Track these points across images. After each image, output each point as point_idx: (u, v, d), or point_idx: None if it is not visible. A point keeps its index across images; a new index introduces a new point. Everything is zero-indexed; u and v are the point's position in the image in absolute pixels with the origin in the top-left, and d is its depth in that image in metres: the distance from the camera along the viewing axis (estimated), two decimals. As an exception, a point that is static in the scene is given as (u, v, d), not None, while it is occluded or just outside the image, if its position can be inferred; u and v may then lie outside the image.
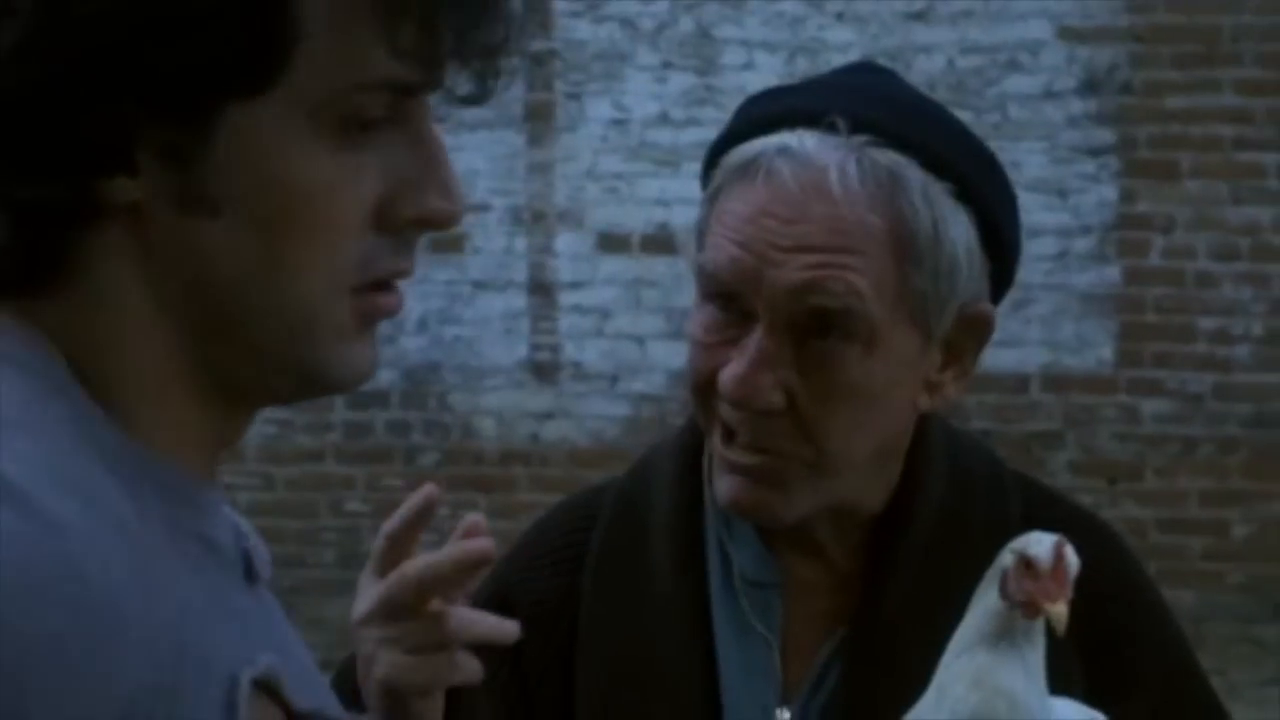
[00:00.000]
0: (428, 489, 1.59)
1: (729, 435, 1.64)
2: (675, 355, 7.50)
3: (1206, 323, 7.30)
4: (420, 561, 1.56)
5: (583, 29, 7.56)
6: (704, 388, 1.66)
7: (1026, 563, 1.50)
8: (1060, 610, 1.50)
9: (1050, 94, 7.31)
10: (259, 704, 1.05)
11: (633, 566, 1.74)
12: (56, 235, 1.03)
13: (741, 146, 1.64)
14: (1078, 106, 7.31)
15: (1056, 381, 7.34)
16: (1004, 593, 1.51)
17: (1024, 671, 1.51)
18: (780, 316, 1.60)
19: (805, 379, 1.61)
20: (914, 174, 1.60)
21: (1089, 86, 7.30)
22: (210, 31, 0.99)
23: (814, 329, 1.60)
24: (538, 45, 7.58)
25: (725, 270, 1.61)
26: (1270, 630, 7.21)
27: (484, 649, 1.71)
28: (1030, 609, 1.50)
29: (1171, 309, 7.30)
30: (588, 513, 1.79)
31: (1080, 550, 1.60)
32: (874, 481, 1.70)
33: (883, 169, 1.59)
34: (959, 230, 1.62)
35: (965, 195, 1.62)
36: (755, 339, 1.60)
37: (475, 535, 1.57)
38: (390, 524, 1.58)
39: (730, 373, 1.61)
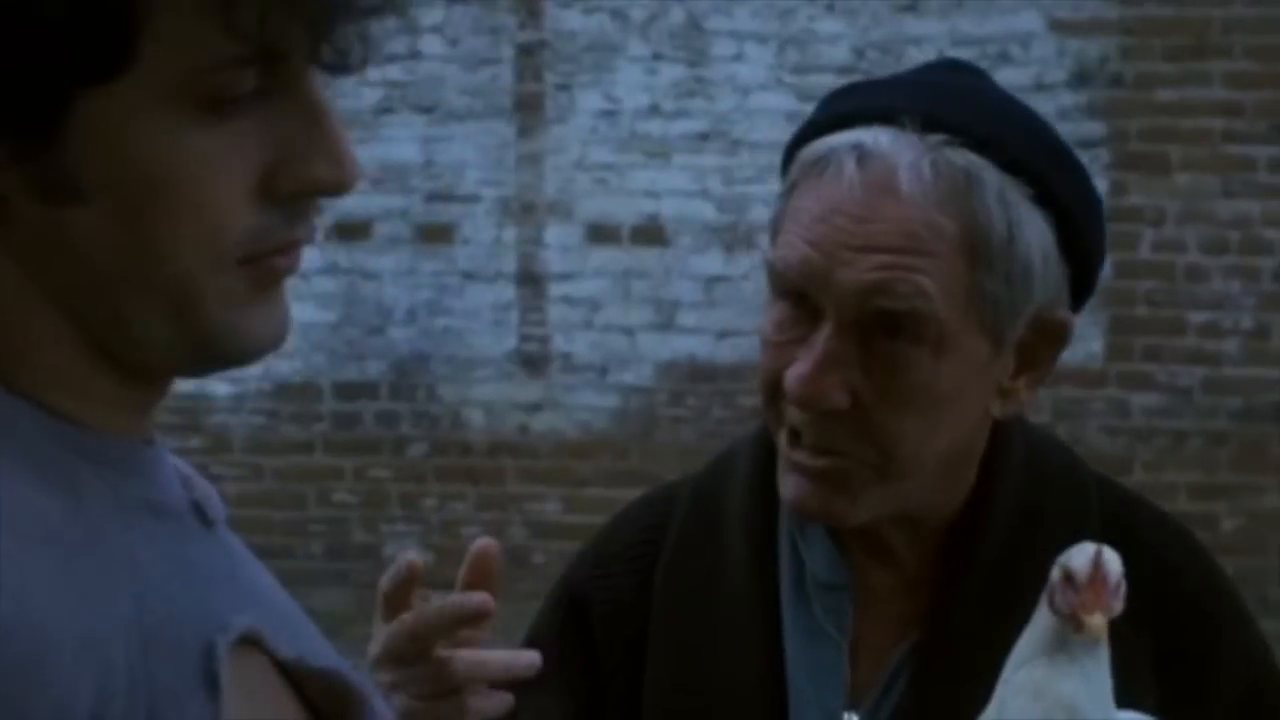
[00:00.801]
0: (411, 558, 1.55)
1: (795, 436, 1.62)
2: (664, 347, 7.50)
3: (1196, 316, 7.30)
4: (416, 613, 1.53)
5: (573, 19, 7.55)
6: (772, 387, 1.62)
7: (1067, 575, 1.48)
8: (1096, 622, 1.47)
9: (1041, 86, 7.30)
10: (243, 659, 1.04)
11: (705, 564, 1.73)
12: None
13: (816, 142, 1.61)
14: (1068, 99, 7.30)
15: (1046, 374, 7.33)
16: (1052, 606, 1.49)
17: (1084, 682, 1.48)
18: (848, 316, 1.57)
19: (871, 380, 1.58)
20: (990, 175, 1.57)
21: (1079, 79, 7.30)
22: (49, 23, 0.97)
23: (882, 330, 1.57)
24: (528, 35, 7.57)
25: (795, 269, 1.59)
26: (1260, 624, 7.20)
27: (558, 642, 1.74)
28: (1074, 622, 1.48)
29: (1161, 302, 7.30)
30: (664, 509, 1.78)
31: (1160, 555, 1.59)
32: (945, 489, 1.67)
33: (958, 169, 1.56)
34: (1035, 234, 1.59)
35: (1044, 198, 1.60)
36: (822, 338, 1.58)
37: (485, 560, 1.55)
38: (383, 582, 1.55)
39: (795, 372, 1.58)
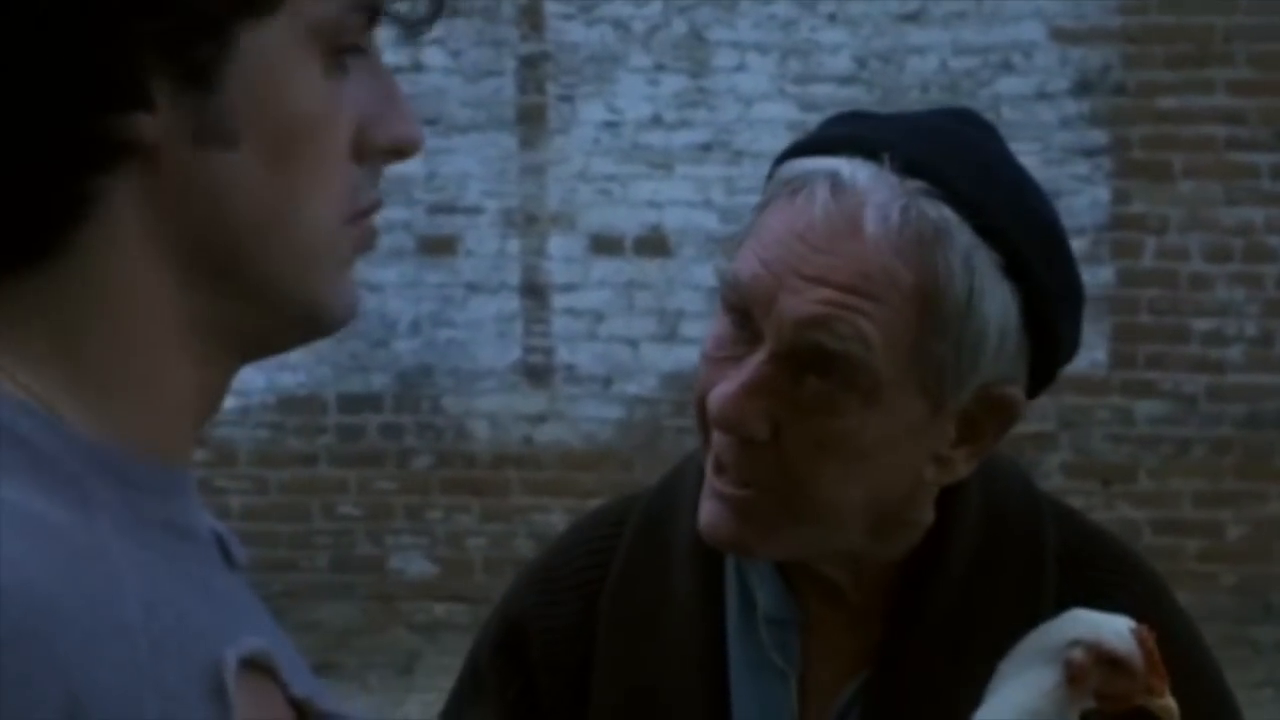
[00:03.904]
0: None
1: (719, 466, 1.57)
2: (668, 358, 7.50)
3: (1200, 324, 7.29)
4: None
5: (575, 31, 7.55)
6: (703, 403, 1.57)
7: (1111, 660, 1.47)
8: (1172, 705, 1.46)
9: (1043, 95, 7.30)
10: (254, 684, 1.02)
11: (652, 594, 1.69)
12: (68, 187, 0.99)
13: (797, 161, 1.55)
14: (1071, 107, 7.31)
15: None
16: (1078, 684, 1.48)
17: None
18: (784, 345, 1.51)
19: (795, 416, 1.52)
20: (963, 235, 1.50)
21: (1082, 87, 7.30)
22: None
23: (815, 367, 1.51)
24: (530, 47, 7.58)
25: (743, 285, 1.53)
26: (1264, 631, 7.21)
27: (493, 664, 1.70)
28: (1117, 702, 1.47)
29: (1165, 310, 7.30)
30: (613, 530, 1.73)
31: (1121, 592, 1.57)
32: (885, 539, 1.61)
33: (928, 221, 1.49)
34: (995, 305, 1.51)
35: (1015, 270, 1.52)
36: (754, 362, 1.52)
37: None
38: None
39: (719, 392, 1.53)
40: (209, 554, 1.08)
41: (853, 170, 1.51)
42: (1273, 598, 7.27)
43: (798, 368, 1.52)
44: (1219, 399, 7.30)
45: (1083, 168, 7.27)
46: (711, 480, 1.58)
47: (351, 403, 7.67)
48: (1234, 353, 7.29)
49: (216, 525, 1.12)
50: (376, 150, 1.07)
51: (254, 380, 7.68)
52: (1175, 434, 7.32)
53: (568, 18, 7.56)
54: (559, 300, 7.60)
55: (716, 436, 1.55)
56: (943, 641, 1.62)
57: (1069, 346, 1.59)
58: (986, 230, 1.51)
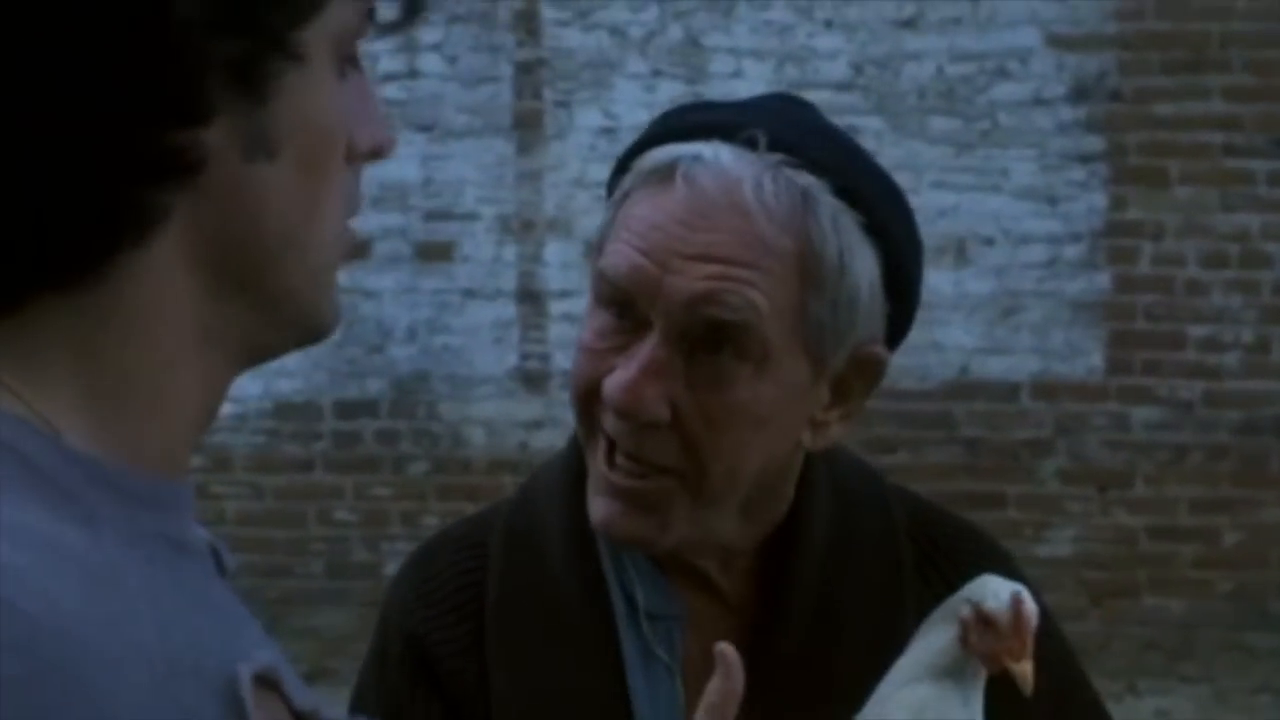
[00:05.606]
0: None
1: (611, 452, 1.60)
2: (665, 364, 7.49)
3: (1196, 330, 7.30)
4: None
5: (572, 37, 7.56)
6: (587, 396, 1.61)
7: (985, 618, 1.49)
8: (1026, 669, 1.48)
9: (1039, 101, 7.31)
10: (262, 697, 1.02)
11: (536, 606, 1.70)
12: (134, 204, 0.98)
13: (655, 151, 1.61)
14: (1067, 113, 7.31)
15: (1046, 389, 7.34)
16: (966, 642, 1.50)
17: (964, 707, 1.51)
18: (675, 326, 1.56)
19: (693, 394, 1.57)
20: (826, 199, 1.57)
21: (1078, 93, 7.30)
22: None
23: (707, 343, 1.56)
24: (526, 53, 7.58)
25: (625, 276, 1.58)
26: (1260, 637, 7.20)
27: (413, 693, 1.70)
28: (993, 663, 1.49)
29: (1161, 316, 7.30)
30: (477, 553, 1.74)
31: (968, 566, 1.61)
32: (754, 518, 1.66)
33: (796, 189, 1.56)
34: (864, 264, 1.58)
35: (873, 229, 1.59)
36: (647, 347, 1.56)
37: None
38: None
39: (616, 380, 1.57)
40: (206, 566, 1.07)
41: (715, 151, 1.58)
42: (1269, 604, 7.27)
43: (690, 347, 1.57)
44: (1215, 405, 7.30)
45: (1079, 174, 7.27)
46: (605, 474, 1.61)
47: (347, 409, 7.67)
48: (1230, 359, 7.30)
49: (207, 535, 1.12)
50: (362, 154, 1.07)
51: (250, 387, 7.68)
52: (1172, 440, 7.32)
53: (564, 24, 7.56)
54: (555, 306, 7.60)
55: (614, 425, 1.59)
56: (809, 626, 1.67)
57: (917, 294, 1.66)
58: (844, 193, 1.58)
